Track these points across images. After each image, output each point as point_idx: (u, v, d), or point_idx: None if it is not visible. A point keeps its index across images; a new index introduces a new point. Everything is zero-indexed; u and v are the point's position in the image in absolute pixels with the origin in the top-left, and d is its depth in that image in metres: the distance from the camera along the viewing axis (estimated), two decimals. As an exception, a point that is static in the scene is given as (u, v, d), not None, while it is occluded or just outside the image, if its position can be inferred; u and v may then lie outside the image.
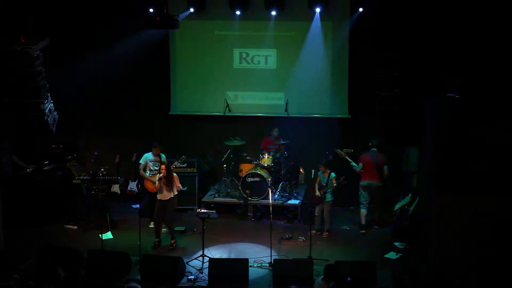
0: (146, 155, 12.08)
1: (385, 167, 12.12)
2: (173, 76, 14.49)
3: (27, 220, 12.19)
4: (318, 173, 11.97)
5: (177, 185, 11.29)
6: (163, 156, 12.01)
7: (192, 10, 13.70)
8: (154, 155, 12.00)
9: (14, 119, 12.05)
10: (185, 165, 12.96)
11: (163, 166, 11.22)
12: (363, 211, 12.16)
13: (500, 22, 10.36)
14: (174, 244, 11.39)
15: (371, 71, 12.31)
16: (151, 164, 11.99)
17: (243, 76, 14.34)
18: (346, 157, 12.29)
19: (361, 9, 13.28)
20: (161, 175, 11.15)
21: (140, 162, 12.10)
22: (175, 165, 11.65)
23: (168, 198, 11.21)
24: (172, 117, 14.60)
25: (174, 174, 11.36)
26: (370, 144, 12.35)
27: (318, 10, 13.45)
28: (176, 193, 11.32)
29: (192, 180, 13.22)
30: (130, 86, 14.18)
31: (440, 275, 9.40)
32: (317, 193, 11.84)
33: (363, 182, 12.17)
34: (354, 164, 12.17)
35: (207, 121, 14.40)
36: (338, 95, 14.03)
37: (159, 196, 11.25)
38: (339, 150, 12.56)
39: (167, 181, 11.14)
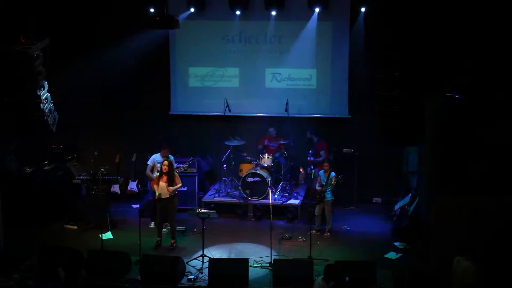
0: (154, 156, 11.99)
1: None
2: (173, 76, 14.47)
3: (27, 220, 12.18)
4: (320, 172, 11.96)
5: (177, 182, 11.28)
6: (171, 157, 11.85)
7: (192, 10, 13.70)
8: (163, 156, 11.84)
9: (14, 119, 12.07)
10: (186, 165, 12.96)
11: (166, 163, 11.19)
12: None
13: (500, 22, 10.35)
14: (174, 244, 11.39)
15: (371, 71, 12.31)
16: (158, 165, 11.74)
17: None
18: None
19: (363, 9, 13.25)
20: (164, 166, 11.14)
21: (148, 163, 12.01)
22: (184, 167, 11.61)
23: (169, 195, 11.21)
24: (172, 117, 14.59)
25: (175, 173, 11.38)
26: (313, 137, 13.10)
27: (318, 10, 13.43)
28: (176, 191, 11.32)
29: (192, 180, 13.22)
30: (130, 86, 14.15)
31: (440, 275, 9.39)
32: (317, 188, 11.84)
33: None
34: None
35: (207, 121, 14.39)
36: (338, 95, 14.01)
37: (160, 194, 11.22)
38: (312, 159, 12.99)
39: (169, 179, 11.14)
